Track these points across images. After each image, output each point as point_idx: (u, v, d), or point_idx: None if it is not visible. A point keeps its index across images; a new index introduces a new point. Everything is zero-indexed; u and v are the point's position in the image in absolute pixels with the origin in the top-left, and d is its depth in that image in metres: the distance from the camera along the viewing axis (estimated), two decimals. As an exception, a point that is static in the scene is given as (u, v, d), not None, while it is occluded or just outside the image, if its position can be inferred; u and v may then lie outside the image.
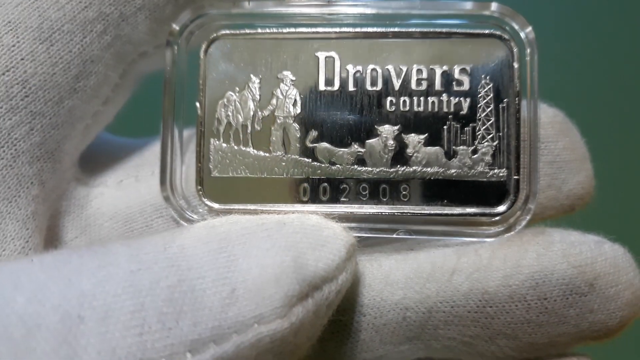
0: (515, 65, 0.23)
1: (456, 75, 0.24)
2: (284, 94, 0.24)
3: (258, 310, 0.20)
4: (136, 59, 0.26)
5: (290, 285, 0.20)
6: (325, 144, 0.24)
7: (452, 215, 0.24)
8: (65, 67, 0.24)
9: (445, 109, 0.24)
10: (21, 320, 0.18)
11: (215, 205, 0.24)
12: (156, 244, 0.21)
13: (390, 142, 0.24)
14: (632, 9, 0.60)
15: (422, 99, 0.24)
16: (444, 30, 0.24)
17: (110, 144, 0.29)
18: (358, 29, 0.24)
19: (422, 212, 0.24)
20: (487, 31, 0.24)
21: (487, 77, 0.24)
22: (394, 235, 0.24)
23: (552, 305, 0.23)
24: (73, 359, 0.17)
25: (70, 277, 0.19)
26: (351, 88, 0.24)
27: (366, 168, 0.24)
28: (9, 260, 0.22)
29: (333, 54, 0.24)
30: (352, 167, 0.24)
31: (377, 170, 0.24)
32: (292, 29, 0.25)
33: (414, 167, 0.24)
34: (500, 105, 0.24)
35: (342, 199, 0.24)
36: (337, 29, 0.24)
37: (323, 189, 0.24)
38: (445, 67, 0.24)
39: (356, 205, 0.24)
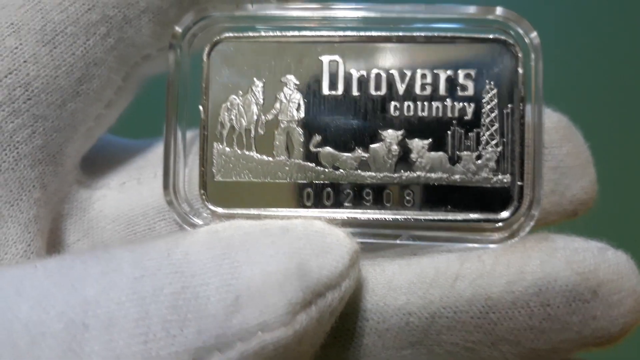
0: (520, 70, 0.23)
1: (460, 80, 0.24)
2: (288, 98, 0.24)
3: (262, 318, 0.20)
4: (139, 62, 0.26)
5: (294, 293, 0.20)
6: (328, 149, 0.24)
7: (455, 221, 0.24)
8: (68, 70, 0.24)
9: (449, 114, 0.24)
10: (25, 328, 0.17)
11: (219, 210, 0.24)
12: (159, 249, 0.21)
13: (394, 147, 0.24)
14: (635, 12, 0.60)
15: (426, 103, 0.24)
16: (448, 34, 0.24)
17: (112, 145, 0.29)
18: (362, 33, 0.24)
19: (426, 217, 0.24)
20: (491, 36, 0.24)
21: (492, 83, 0.24)
22: (397, 241, 0.24)
23: (555, 312, 0.23)
24: None
25: (74, 283, 0.19)
26: (355, 92, 0.24)
27: (370, 173, 0.24)
28: (11, 266, 0.22)
29: (337, 57, 0.24)
30: (356, 172, 0.24)
31: (381, 175, 0.24)
32: (296, 33, 0.24)
33: (418, 173, 0.24)
34: (505, 111, 0.24)
35: (346, 204, 0.24)
36: (341, 33, 0.24)
37: (326, 193, 0.24)
38: (449, 72, 0.24)
39: (359, 211, 0.24)
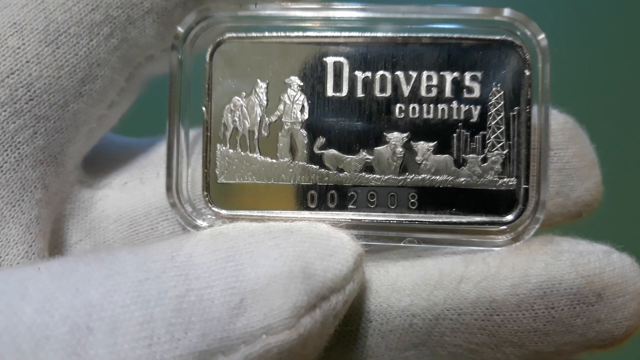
0: (527, 72, 0.23)
1: (467, 82, 0.24)
2: (292, 100, 0.24)
3: (266, 321, 0.20)
4: (143, 63, 0.26)
5: (299, 296, 0.20)
6: (333, 151, 0.24)
7: (460, 223, 0.24)
8: (71, 71, 0.24)
9: (455, 117, 0.24)
10: (30, 332, 0.17)
11: (222, 212, 0.24)
12: (163, 251, 0.21)
13: (399, 149, 0.24)
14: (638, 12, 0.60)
15: (431, 106, 0.24)
16: (454, 35, 0.24)
17: (114, 144, 0.29)
18: (367, 34, 0.24)
19: (430, 220, 0.24)
20: (498, 37, 0.23)
21: (498, 85, 0.23)
22: (402, 244, 0.24)
23: (559, 315, 0.23)
24: None
25: (78, 286, 0.19)
26: (360, 94, 0.24)
27: (374, 175, 0.24)
28: (15, 268, 0.21)
29: (341, 59, 0.24)
30: (360, 174, 0.24)
31: (386, 177, 0.24)
32: (300, 33, 0.24)
33: (423, 175, 0.24)
34: (511, 113, 0.23)
35: (350, 207, 0.24)
36: (346, 34, 0.24)
37: (331, 196, 0.24)
38: (455, 74, 0.23)
39: (364, 213, 0.24)
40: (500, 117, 0.24)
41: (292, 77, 0.24)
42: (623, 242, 0.24)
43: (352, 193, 0.24)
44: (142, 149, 0.28)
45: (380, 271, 0.24)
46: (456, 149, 0.24)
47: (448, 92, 0.24)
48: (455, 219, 0.24)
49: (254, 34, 0.24)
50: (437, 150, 0.24)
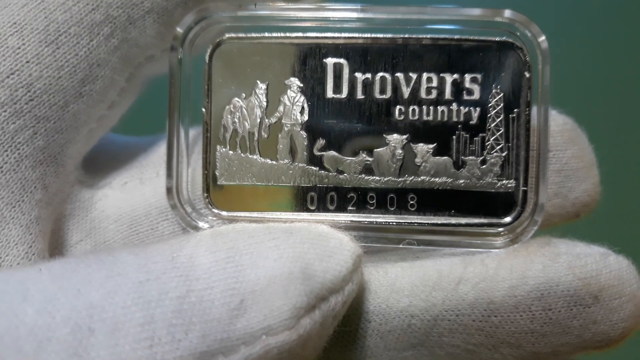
0: (527, 74, 0.23)
1: (467, 84, 0.24)
2: (291, 101, 0.24)
3: (266, 322, 0.20)
4: (143, 63, 0.26)
5: (298, 297, 0.20)
6: (332, 153, 0.24)
7: (458, 225, 0.24)
8: (71, 71, 0.24)
9: (454, 119, 0.24)
10: (32, 333, 0.17)
11: (222, 213, 0.24)
12: (164, 252, 0.21)
13: (399, 151, 0.24)
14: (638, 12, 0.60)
15: (431, 107, 0.24)
16: (455, 37, 0.24)
17: (113, 143, 0.29)
18: (367, 35, 0.24)
19: (429, 222, 0.24)
20: (498, 39, 0.23)
21: (498, 87, 0.23)
22: (401, 246, 0.24)
23: (556, 316, 0.23)
24: None
25: (79, 287, 0.19)
26: (359, 96, 0.24)
27: (374, 177, 0.24)
28: (16, 269, 0.21)
29: (341, 60, 0.24)
30: (360, 176, 0.24)
31: (385, 179, 0.24)
32: (300, 34, 0.24)
33: (422, 177, 0.24)
34: (511, 116, 0.24)
35: (349, 208, 0.24)
36: (346, 35, 0.24)
37: (330, 197, 0.24)
38: (455, 76, 0.24)
39: (363, 215, 0.24)
40: (499, 119, 0.24)
41: (292, 79, 0.24)
42: (620, 242, 0.25)
43: (352, 195, 0.24)
44: (142, 148, 0.28)
45: (380, 272, 0.24)
46: (455, 151, 0.24)
47: (448, 93, 0.24)
48: (454, 220, 0.24)
49: (253, 35, 0.24)
50: (437, 152, 0.24)
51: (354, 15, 0.24)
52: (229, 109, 0.24)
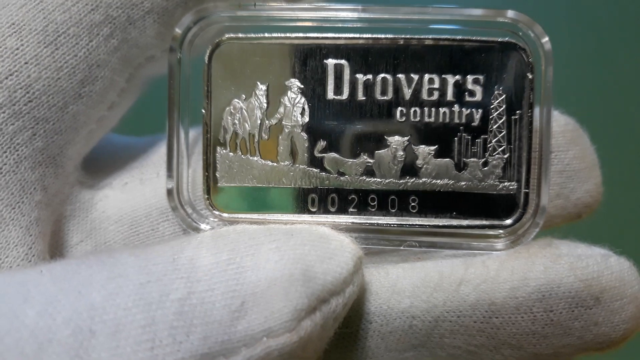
0: (530, 75, 0.23)
1: (469, 85, 0.23)
2: (292, 102, 0.24)
3: (267, 324, 0.20)
4: (143, 63, 0.26)
5: (299, 299, 0.20)
6: (333, 154, 0.24)
7: (460, 227, 0.24)
8: (70, 72, 0.24)
9: (456, 120, 0.24)
10: (32, 335, 0.17)
11: (223, 215, 0.24)
12: (165, 254, 0.21)
13: (400, 153, 0.24)
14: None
15: (433, 109, 0.24)
16: (457, 37, 0.23)
17: (113, 143, 0.29)
18: (368, 36, 0.24)
19: (431, 224, 0.24)
20: (501, 39, 0.23)
21: (500, 88, 0.23)
22: (402, 248, 0.24)
23: (557, 318, 0.23)
24: None
25: (80, 289, 0.19)
26: (361, 97, 0.24)
27: (375, 179, 0.24)
28: (17, 271, 0.21)
29: (342, 61, 0.24)
30: (361, 177, 0.24)
31: (386, 181, 0.24)
32: (300, 34, 0.24)
33: (424, 179, 0.24)
34: (513, 117, 0.23)
35: (351, 210, 0.24)
36: (347, 35, 0.24)
37: (331, 199, 0.24)
38: (457, 77, 0.23)
39: (364, 217, 0.24)
40: (501, 120, 0.23)
41: (293, 80, 0.24)
42: (622, 243, 0.25)
43: (353, 197, 0.24)
44: (142, 148, 0.28)
45: (381, 273, 0.24)
46: (457, 152, 0.24)
47: (450, 95, 0.23)
48: (455, 222, 0.24)
49: (253, 35, 0.24)
50: (438, 154, 0.24)
51: (355, 15, 0.24)
52: (229, 110, 0.24)
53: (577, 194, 0.25)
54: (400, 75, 0.24)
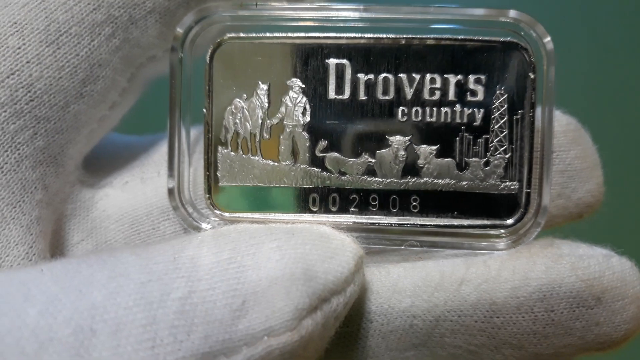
0: (532, 75, 0.23)
1: (470, 85, 0.23)
2: (293, 102, 0.24)
3: (268, 323, 0.20)
4: (145, 63, 0.26)
5: (300, 299, 0.20)
6: (335, 154, 0.24)
7: (462, 227, 0.24)
8: (72, 71, 0.24)
9: (458, 120, 0.24)
10: (33, 334, 0.17)
11: (224, 214, 0.24)
12: (166, 253, 0.21)
13: (401, 152, 0.24)
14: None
15: (434, 109, 0.24)
16: (459, 37, 0.23)
17: (114, 142, 0.29)
18: (370, 35, 0.24)
19: (432, 223, 0.24)
20: (503, 39, 0.23)
21: (502, 88, 0.23)
22: (403, 247, 0.24)
23: (558, 318, 0.23)
24: None
25: (81, 288, 0.19)
26: (362, 97, 0.24)
27: (376, 179, 0.24)
28: (18, 270, 0.21)
29: (344, 61, 0.24)
30: (362, 177, 0.24)
31: (388, 181, 0.24)
32: (302, 34, 0.24)
33: (425, 179, 0.24)
34: (514, 117, 0.23)
35: (352, 210, 0.24)
36: (349, 35, 0.24)
37: (332, 199, 0.24)
38: (459, 77, 0.23)
39: (365, 216, 0.24)
40: (503, 120, 0.23)
41: (294, 79, 0.24)
42: (623, 243, 0.24)
43: (354, 196, 0.24)
44: (143, 147, 0.28)
45: (382, 272, 0.24)
46: (459, 152, 0.24)
47: (451, 95, 0.23)
48: (456, 222, 0.24)
49: (254, 35, 0.24)
50: (440, 154, 0.24)
51: (357, 15, 0.24)
52: (230, 110, 0.24)
53: (578, 193, 0.25)
54: (402, 75, 0.24)
